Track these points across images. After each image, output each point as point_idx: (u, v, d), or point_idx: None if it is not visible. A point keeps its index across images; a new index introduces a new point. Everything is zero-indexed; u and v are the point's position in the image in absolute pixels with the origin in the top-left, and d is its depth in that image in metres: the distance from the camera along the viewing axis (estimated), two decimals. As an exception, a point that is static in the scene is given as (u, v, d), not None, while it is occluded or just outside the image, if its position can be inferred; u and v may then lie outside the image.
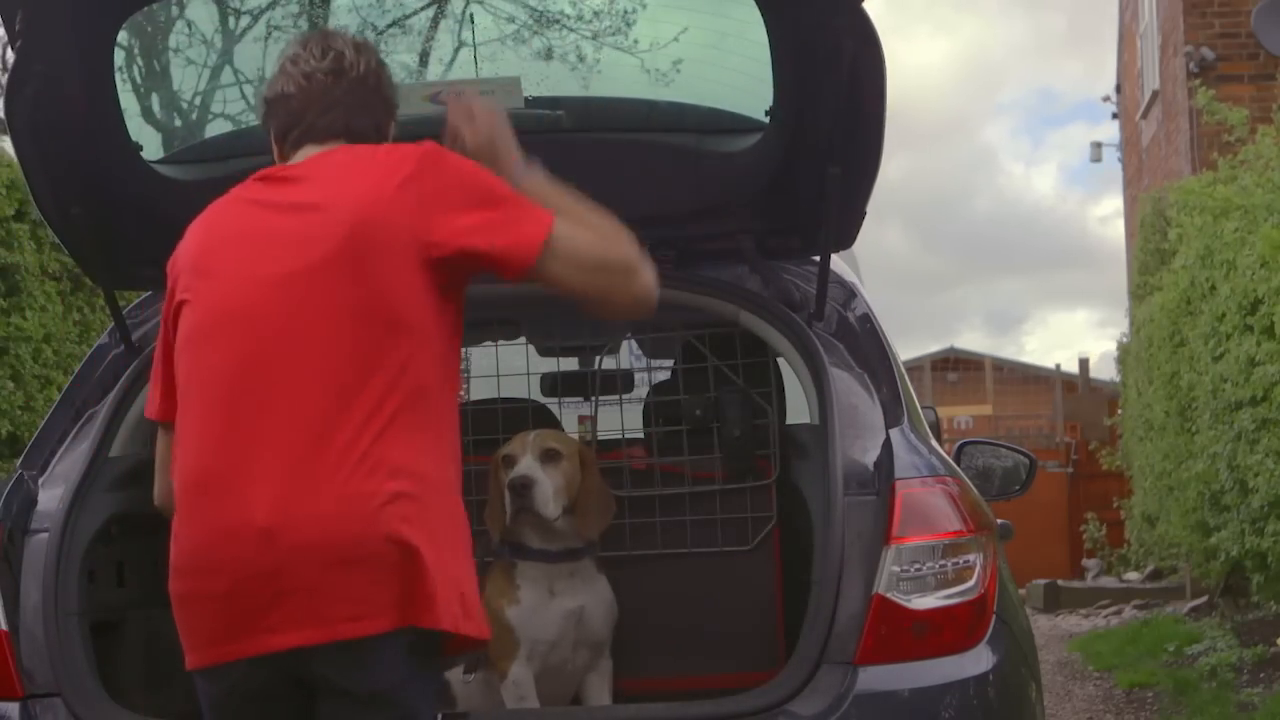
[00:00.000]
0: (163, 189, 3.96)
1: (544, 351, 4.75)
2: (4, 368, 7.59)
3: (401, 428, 2.72)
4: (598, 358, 4.46)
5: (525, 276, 2.79)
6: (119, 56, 3.79)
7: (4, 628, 3.36)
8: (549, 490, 3.69)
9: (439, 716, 3.43)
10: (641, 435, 4.33)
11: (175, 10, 4.31)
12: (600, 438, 4.27)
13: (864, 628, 3.22)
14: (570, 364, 4.70)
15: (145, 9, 3.90)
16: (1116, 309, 34.00)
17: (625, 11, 4.20)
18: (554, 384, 4.56)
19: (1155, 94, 15.82)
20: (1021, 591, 8.77)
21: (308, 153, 2.94)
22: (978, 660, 3.27)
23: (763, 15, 3.51)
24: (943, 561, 3.27)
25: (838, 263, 4.01)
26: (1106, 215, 70.16)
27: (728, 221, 3.98)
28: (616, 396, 4.36)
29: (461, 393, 4.24)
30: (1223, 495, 8.39)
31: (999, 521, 3.65)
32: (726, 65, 3.95)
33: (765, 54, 3.61)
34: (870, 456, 3.44)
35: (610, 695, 3.86)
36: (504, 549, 3.83)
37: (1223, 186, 9.10)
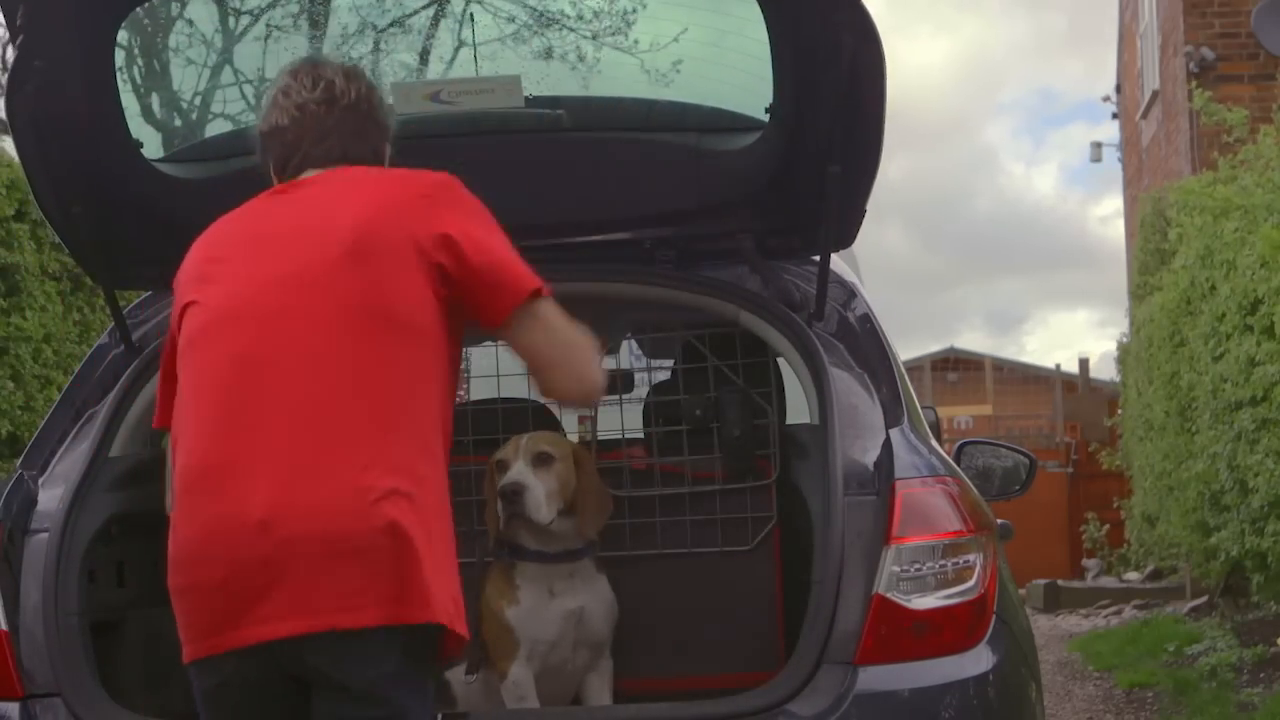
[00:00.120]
0: (164, 188, 3.96)
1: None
2: (4, 368, 7.59)
3: (399, 425, 2.75)
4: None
5: (506, 316, 2.84)
6: (119, 56, 3.79)
7: (4, 628, 3.36)
8: (540, 495, 3.68)
9: (439, 717, 3.45)
10: (641, 435, 4.32)
11: (175, 9, 4.31)
12: (600, 438, 4.27)
13: (864, 628, 3.22)
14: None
15: (146, 6, 3.91)
16: (1117, 309, 34.01)
17: (625, 11, 4.19)
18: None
19: (1155, 94, 15.83)
20: (1021, 591, 8.77)
21: (310, 175, 2.99)
22: (978, 660, 3.27)
23: (763, 12, 3.52)
24: (943, 561, 3.27)
25: (838, 263, 4.01)
26: (1107, 215, 70.21)
27: (728, 221, 3.98)
28: (616, 396, 4.35)
29: (461, 393, 4.25)
30: (1223, 495, 8.39)
31: (999, 521, 3.65)
32: (726, 64, 3.95)
33: (765, 52, 3.61)
34: (870, 456, 3.44)
35: (611, 695, 3.86)
36: (503, 550, 3.83)
37: (1223, 186, 9.10)
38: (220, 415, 2.77)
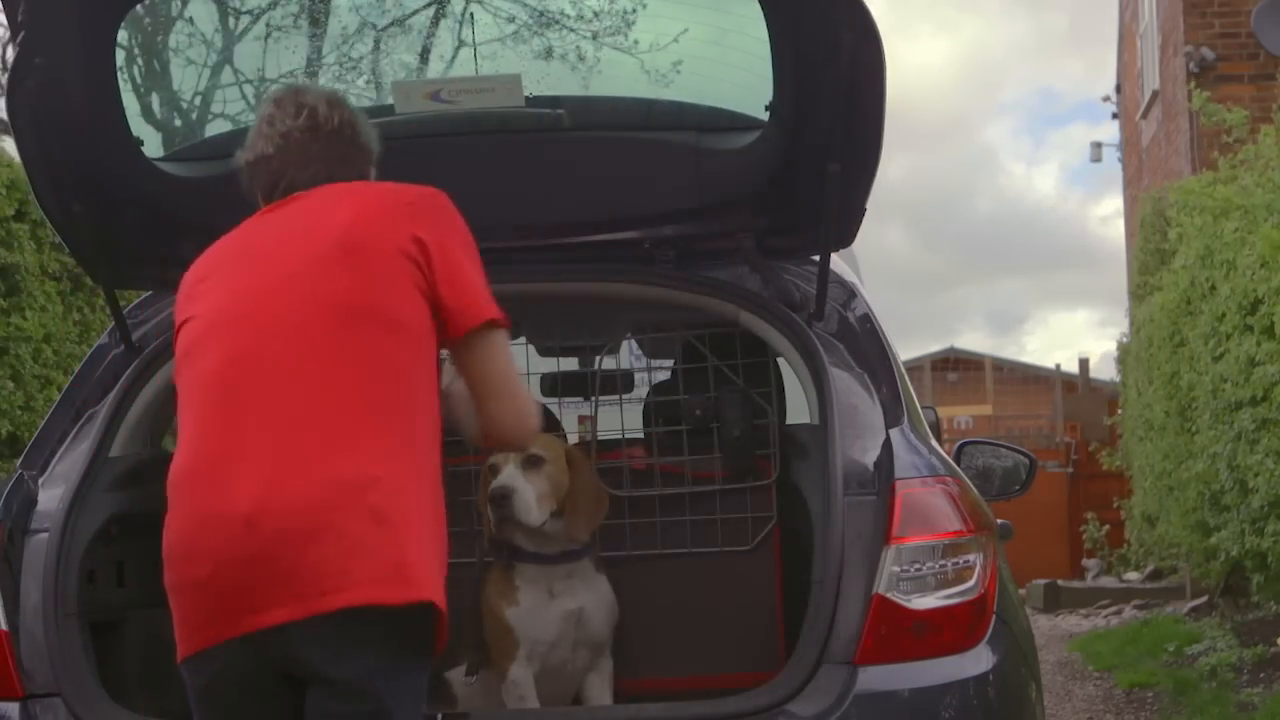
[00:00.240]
0: (164, 187, 3.96)
1: (544, 351, 4.75)
2: (4, 368, 7.58)
3: (384, 416, 2.78)
4: (598, 358, 4.46)
5: (461, 334, 2.90)
6: (119, 56, 3.79)
7: (4, 628, 3.36)
8: (530, 497, 3.67)
9: (439, 717, 3.45)
10: (641, 435, 4.32)
11: (175, 9, 4.31)
12: (600, 438, 4.27)
13: (864, 628, 3.22)
14: (570, 364, 4.70)
15: (146, 4, 3.91)
16: (1117, 309, 34.01)
17: (625, 11, 4.20)
18: (554, 384, 4.56)
19: (1155, 94, 15.83)
20: (1021, 591, 8.77)
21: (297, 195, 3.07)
22: (978, 660, 3.27)
23: (763, 10, 3.52)
24: (943, 561, 3.27)
25: (838, 263, 4.01)
26: (1107, 215, 70.18)
27: (728, 220, 3.98)
28: (616, 396, 4.35)
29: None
30: (1223, 495, 8.39)
31: (999, 521, 3.65)
32: (726, 63, 3.95)
33: (765, 51, 3.61)
34: (870, 456, 3.44)
35: (611, 695, 3.86)
36: (501, 551, 3.83)
37: (1223, 186, 9.10)
38: (209, 416, 2.82)
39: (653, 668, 3.98)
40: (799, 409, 3.99)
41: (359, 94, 4.55)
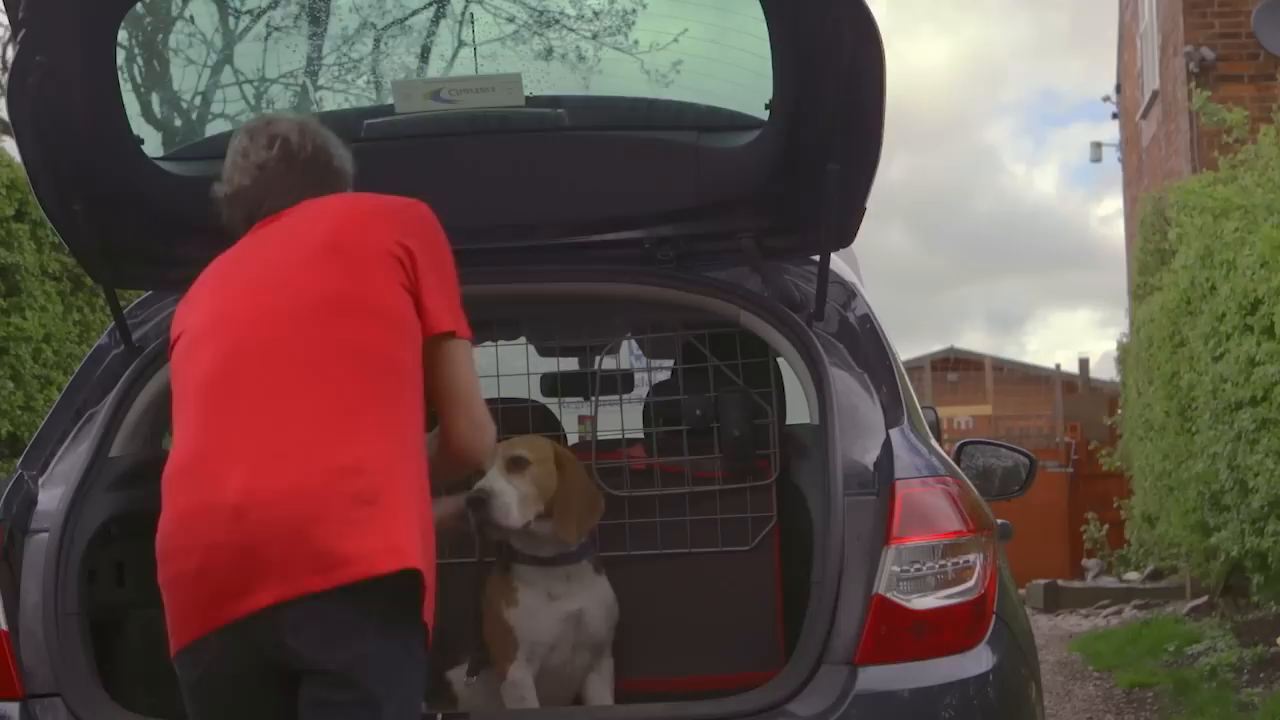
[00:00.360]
0: (164, 186, 3.96)
1: (544, 351, 4.75)
2: (4, 368, 7.58)
3: (369, 402, 2.83)
4: (598, 358, 4.46)
5: (427, 336, 2.99)
6: (120, 55, 3.79)
7: (4, 628, 3.37)
8: (510, 500, 3.64)
9: (438, 717, 3.45)
10: (641, 435, 4.32)
11: (176, 8, 4.31)
12: (600, 438, 4.27)
13: (864, 628, 3.22)
14: (570, 364, 4.70)
15: (147, 3, 3.91)
16: (1118, 309, 34.02)
17: (625, 11, 4.20)
18: (554, 384, 4.56)
19: (1155, 94, 15.83)
20: (1021, 591, 8.77)
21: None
22: (978, 660, 3.27)
23: (763, 9, 3.52)
24: (943, 561, 3.27)
25: (838, 262, 4.01)
26: (1108, 215, 70.05)
27: (728, 220, 3.98)
28: (616, 396, 4.35)
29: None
30: (1223, 495, 8.39)
31: (999, 521, 3.65)
32: (726, 62, 3.95)
33: (765, 50, 3.61)
34: (870, 456, 3.44)
35: (612, 695, 3.86)
36: (500, 552, 3.82)
37: (1223, 186, 9.10)
38: (200, 414, 2.87)
39: (653, 668, 3.98)
40: (799, 409, 3.99)
41: (359, 94, 4.55)
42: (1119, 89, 19.13)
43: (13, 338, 7.64)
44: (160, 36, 4.39)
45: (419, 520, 2.83)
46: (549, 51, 4.22)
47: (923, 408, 4.00)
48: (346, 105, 4.60)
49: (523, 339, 4.61)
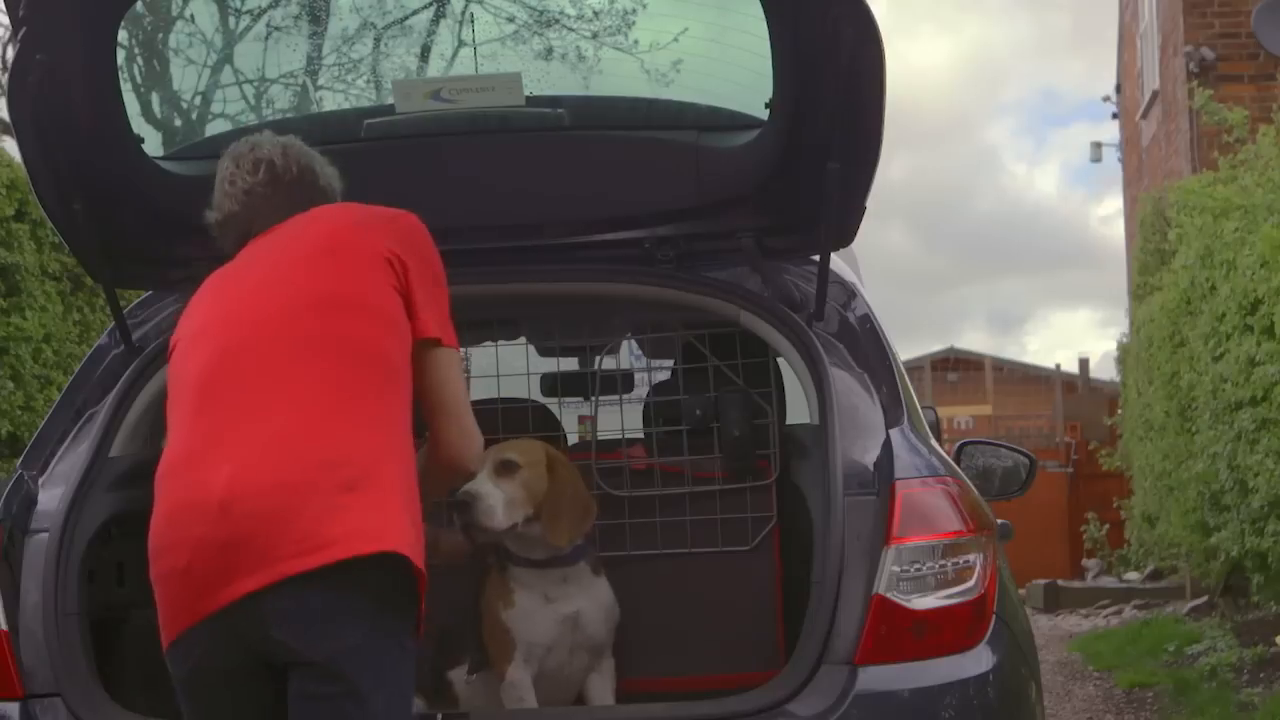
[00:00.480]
0: (165, 185, 3.96)
1: (544, 351, 4.75)
2: (4, 368, 7.58)
3: (357, 395, 2.86)
4: (598, 358, 4.46)
5: (417, 339, 3.03)
6: (120, 55, 3.79)
7: (4, 628, 3.37)
8: (495, 503, 3.62)
9: (439, 717, 3.45)
10: (641, 435, 4.32)
11: (176, 8, 4.31)
12: (600, 438, 4.27)
13: (864, 628, 3.22)
14: (570, 364, 4.70)
15: (147, 1, 3.91)
16: (1118, 309, 34.00)
17: (625, 11, 4.20)
18: (554, 384, 4.56)
19: (1155, 94, 15.83)
20: (1021, 591, 8.77)
21: None
22: (978, 660, 3.27)
23: (763, 7, 3.52)
24: (943, 561, 3.27)
25: (838, 262, 4.01)
26: (1108, 215, 70.01)
27: (728, 219, 3.98)
28: (616, 396, 4.35)
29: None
30: (1223, 495, 8.39)
31: (999, 521, 3.64)
32: (726, 61, 3.95)
33: (765, 49, 3.61)
34: (870, 456, 3.44)
35: (613, 695, 3.86)
36: (495, 553, 3.81)
37: (1223, 186, 9.10)
38: (191, 413, 2.91)
39: (652, 667, 3.98)
40: (799, 409, 3.99)
41: (359, 94, 4.56)
42: (1119, 89, 19.13)
43: (13, 338, 7.64)
44: (160, 36, 4.39)
45: (405, 511, 2.84)
46: (549, 51, 4.22)
47: (923, 408, 3.99)
48: (346, 105, 4.61)
49: (523, 339, 4.61)
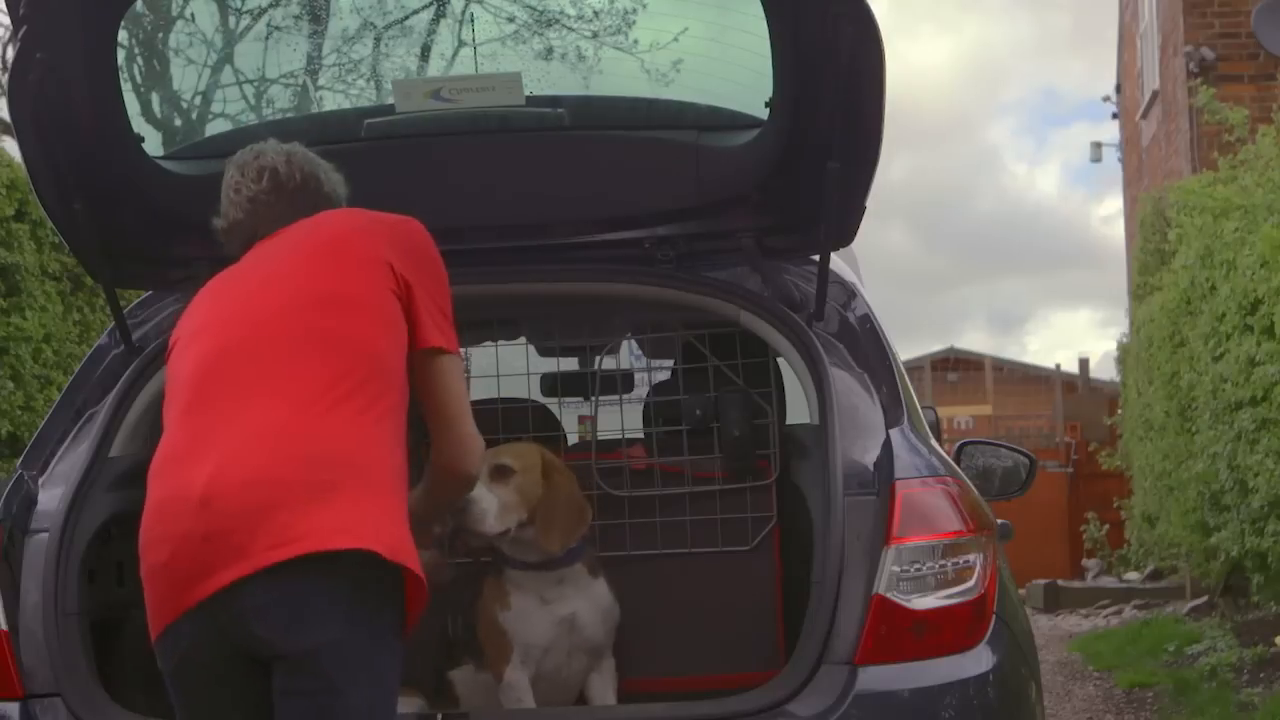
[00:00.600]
0: (165, 185, 3.97)
1: (544, 351, 4.75)
2: (4, 368, 7.58)
3: (348, 391, 2.87)
4: (598, 358, 4.46)
5: (416, 350, 3.05)
6: (120, 55, 3.79)
7: (4, 628, 3.37)
8: (489, 507, 3.62)
9: (439, 716, 3.45)
10: (641, 435, 4.32)
11: (176, 7, 4.32)
12: (600, 438, 4.27)
13: (864, 628, 3.22)
14: (570, 364, 4.70)
15: (147, 1, 3.92)
16: (1119, 309, 33.99)
17: (625, 11, 4.20)
18: (554, 384, 4.56)
19: (1155, 94, 15.83)
20: (1021, 591, 8.77)
21: None
22: (978, 660, 3.27)
23: (763, 6, 3.52)
24: (943, 561, 3.27)
25: (838, 262, 4.01)
26: (1109, 215, 69.96)
27: (728, 219, 3.98)
28: (616, 396, 4.35)
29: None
30: (1223, 495, 8.39)
31: (999, 521, 3.64)
32: (727, 60, 3.95)
33: (765, 49, 3.61)
34: (870, 456, 3.44)
35: (614, 696, 3.86)
36: (493, 555, 3.81)
37: (1223, 186, 9.09)
38: (182, 410, 2.94)
39: (653, 667, 3.98)
40: (799, 409, 3.99)
41: (359, 93, 4.56)
42: (1119, 89, 19.13)
43: (13, 338, 7.64)
44: (160, 36, 4.39)
45: (390, 510, 2.85)
46: (549, 51, 4.22)
47: (923, 408, 3.99)
48: (346, 105, 4.61)
49: (523, 339, 4.61)
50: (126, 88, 3.86)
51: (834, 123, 3.53)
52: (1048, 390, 24.11)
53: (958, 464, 3.93)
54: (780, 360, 4.01)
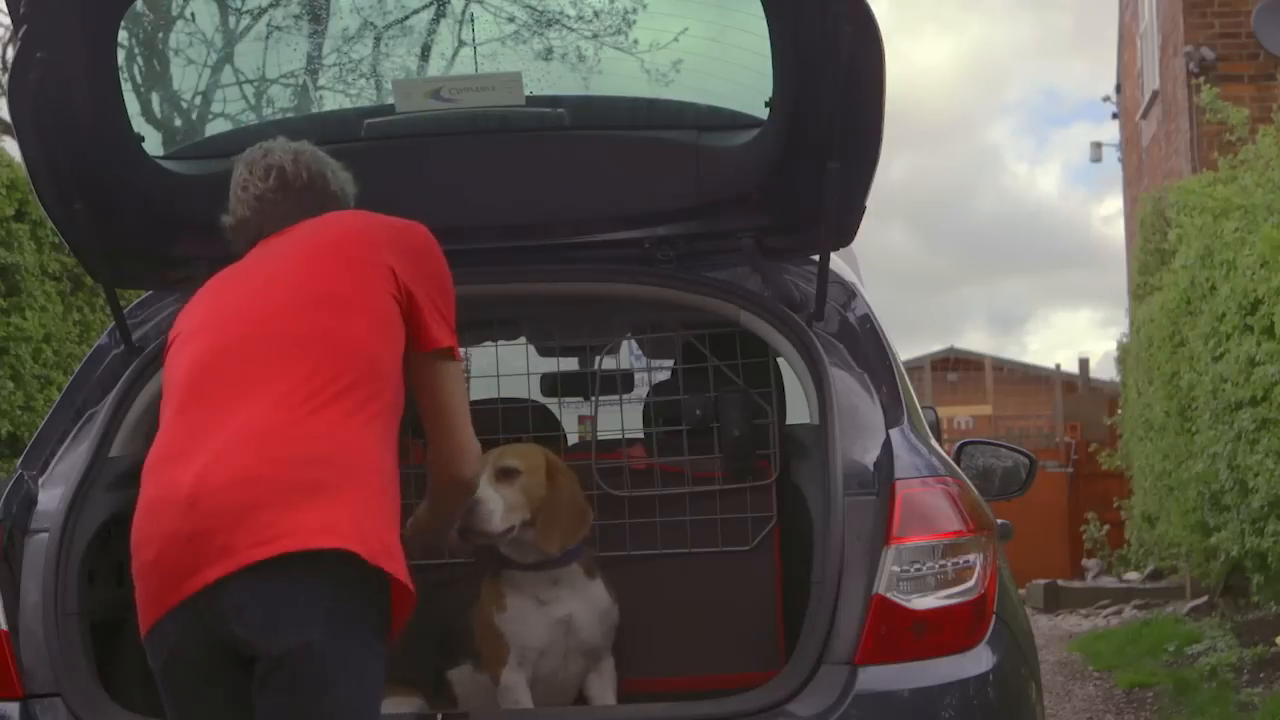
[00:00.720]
0: (165, 185, 3.97)
1: (544, 351, 4.75)
2: (4, 368, 7.58)
3: (341, 394, 2.88)
4: (598, 358, 4.46)
5: (416, 354, 3.06)
6: (120, 55, 3.79)
7: (4, 628, 3.37)
8: (495, 507, 3.62)
9: (439, 716, 3.45)
10: (641, 435, 4.32)
11: (176, 7, 4.31)
12: (600, 438, 4.27)
13: (864, 628, 3.22)
14: (570, 364, 4.70)
15: (148, 1, 3.92)
16: (1119, 309, 33.97)
17: (625, 11, 4.20)
18: (554, 384, 4.56)
19: (1155, 94, 15.83)
20: (1021, 591, 8.77)
21: None
22: (978, 660, 3.27)
23: (762, 5, 3.52)
24: (943, 561, 3.26)
25: (838, 262, 4.01)
26: (1109, 215, 70.00)
27: (728, 219, 3.98)
28: (616, 396, 4.35)
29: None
30: (1223, 495, 8.39)
31: (999, 521, 3.64)
32: (727, 60, 3.95)
33: (765, 49, 3.61)
34: (870, 456, 3.44)
35: (614, 696, 3.85)
36: (490, 556, 3.81)
37: (1223, 186, 9.09)
38: (176, 408, 2.94)
39: (653, 667, 3.98)
40: (799, 409, 3.99)
41: (359, 93, 4.55)
42: (1119, 89, 19.13)
43: (13, 338, 7.64)
44: (160, 36, 4.39)
45: (377, 512, 2.84)
46: (549, 51, 4.22)
47: (923, 408, 3.99)
48: (346, 105, 4.60)
49: (523, 339, 4.61)
50: (126, 88, 3.86)
51: (834, 123, 3.53)
52: (1048, 390, 24.11)
53: (958, 464, 3.93)
54: (780, 360, 4.01)
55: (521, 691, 3.70)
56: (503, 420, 4.12)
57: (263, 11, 4.34)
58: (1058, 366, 26.95)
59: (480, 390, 4.44)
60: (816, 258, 3.85)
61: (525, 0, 4.20)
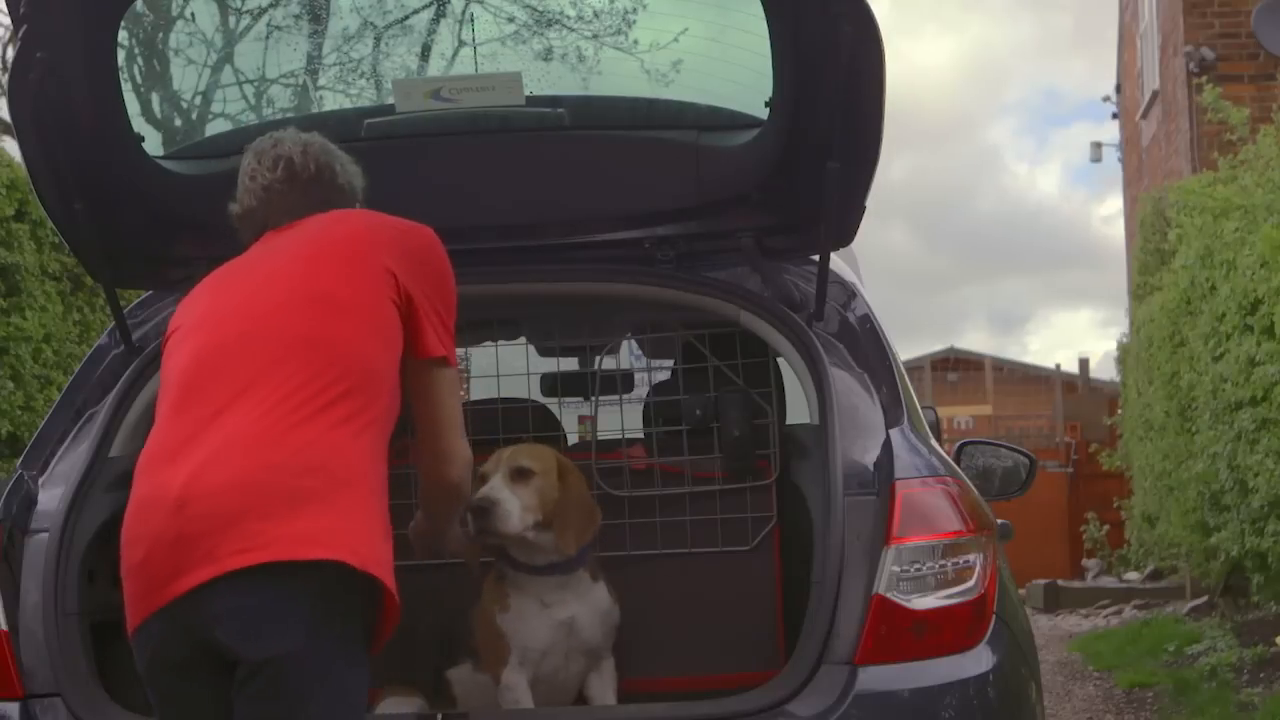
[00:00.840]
0: (166, 185, 3.97)
1: (544, 351, 4.75)
2: (4, 368, 7.58)
3: (335, 400, 2.87)
4: (598, 358, 4.46)
5: (413, 360, 3.06)
6: (120, 55, 3.79)
7: (4, 628, 3.37)
8: (512, 508, 3.62)
9: (439, 716, 3.45)
10: (641, 435, 4.32)
11: (177, 7, 4.32)
12: (600, 438, 4.27)
13: (864, 628, 3.22)
14: (570, 364, 4.70)
15: (148, 1, 3.92)
16: (1119, 309, 33.98)
17: (625, 11, 4.20)
18: (554, 384, 4.56)
19: (1155, 94, 15.83)
20: (1021, 591, 8.77)
21: None
22: (978, 660, 3.27)
23: (762, 5, 3.52)
24: (943, 561, 3.26)
25: (838, 262, 4.01)
26: (1109, 215, 69.99)
27: (728, 219, 3.98)
28: (616, 396, 4.35)
29: (461, 393, 4.25)
30: (1223, 495, 8.39)
31: (999, 521, 3.64)
32: (727, 60, 3.95)
33: (765, 49, 3.61)
34: (870, 456, 3.44)
35: (614, 696, 3.85)
36: (499, 560, 3.81)
37: (1223, 186, 9.09)
38: (170, 408, 2.94)
39: (653, 667, 3.97)
40: (799, 409, 3.99)
41: (359, 93, 4.55)
42: (1119, 89, 19.13)
43: (13, 338, 7.64)
44: (160, 36, 4.39)
45: (367, 520, 2.83)
46: (549, 51, 4.22)
47: (923, 408, 3.99)
48: (346, 105, 4.60)
49: (523, 339, 4.61)
50: (126, 88, 3.86)
51: (834, 123, 3.53)
52: (1048, 390, 24.11)
53: (958, 464, 3.93)
54: (780, 360, 4.01)
55: (522, 692, 3.70)
56: (503, 420, 4.12)
57: (263, 11, 4.35)
58: (1058, 366, 26.98)
59: (480, 390, 4.44)
60: (816, 258, 3.85)
61: (525, 0, 4.20)
